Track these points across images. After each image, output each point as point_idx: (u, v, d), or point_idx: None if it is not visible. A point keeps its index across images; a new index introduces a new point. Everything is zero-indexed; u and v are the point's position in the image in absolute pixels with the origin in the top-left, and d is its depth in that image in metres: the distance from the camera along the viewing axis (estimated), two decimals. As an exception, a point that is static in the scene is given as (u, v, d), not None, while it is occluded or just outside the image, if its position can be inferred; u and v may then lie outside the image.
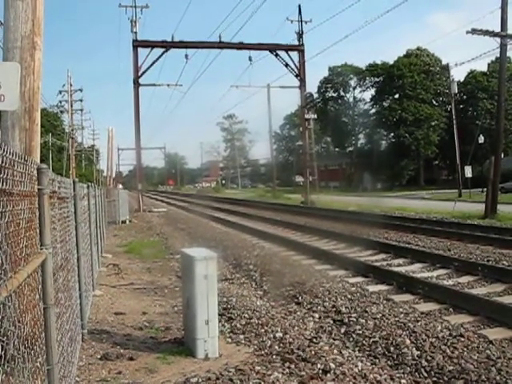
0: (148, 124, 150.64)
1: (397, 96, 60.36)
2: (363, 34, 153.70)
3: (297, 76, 31.74)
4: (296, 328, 5.59)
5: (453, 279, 8.10)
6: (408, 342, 5.01)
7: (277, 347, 4.93)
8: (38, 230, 2.87)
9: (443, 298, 6.69)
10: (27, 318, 2.62)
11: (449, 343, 4.89)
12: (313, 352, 4.70)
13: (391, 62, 61.63)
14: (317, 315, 6.27)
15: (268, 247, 12.30)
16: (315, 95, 48.57)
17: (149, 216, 25.97)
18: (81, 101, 47.12)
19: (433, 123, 58.25)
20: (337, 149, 74.49)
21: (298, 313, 6.42)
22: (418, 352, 4.75)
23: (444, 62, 55.25)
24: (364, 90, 67.37)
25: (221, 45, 29.69)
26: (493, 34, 18.41)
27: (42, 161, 4.59)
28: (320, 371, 4.25)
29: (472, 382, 4.09)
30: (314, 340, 5.13)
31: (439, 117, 58.01)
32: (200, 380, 4.08)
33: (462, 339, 4.98)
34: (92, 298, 6.98)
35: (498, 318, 5.71)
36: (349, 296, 6.93)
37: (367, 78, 65.21)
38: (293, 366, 4.37)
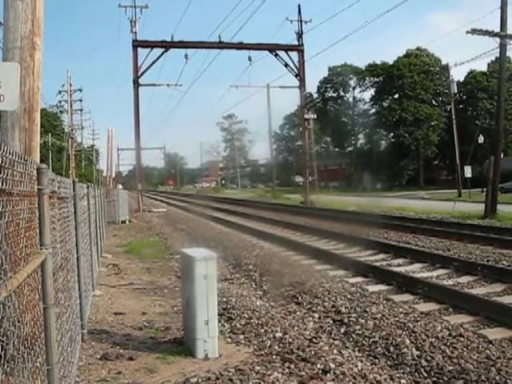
0: (148, 124, 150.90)
1: (396, 96, 60.38)
2: (363, 33, 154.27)
3: (296, 76, 31.75)
4: (296, 328, 5.59)
5: (452, 279, 8.10)
6: (408, 341, 5.01)
7: (276, 347, 4.93)
8: (37, 230, 2.87)
9: (443, 297, 6.69)
10: (27, 318, 2.62)
11: (448, 343, 4.89)
12: (312, 352, 4.70)
13: (391, 62, 61.65)
14: (316, 315, 6.27)
15: (268, 247, 12.29)
16: (315, 95, 48.53)
17: (148, 216, 25.97)
18: (80, 101, 47.18)
19: (432, 123, 58.26)
20: (336, 149, 74.48)
21: (298, 313, 6.42)
22: (418, 352, 4.75)
23: (444, 62, 55.36)
24: (364, 90, 67.55)
25: (220, 45, 29.70)
26: (492, 34, 18.43)
27: (41, 161, 4.59)
28: (320, 371, 4.26)
29: (472, 382, 4.09)
30: (314, 340, 5.13)
31: (439, 117, 58.03)
32: (200, 380, 4.08)
33: (462, 339, 4.99)
34: (92, 298, 6.98)
35: (497, 318, 5.71)
36: (348, 296, 6.93)
37: (367, 78, 65.24)
38: (292, 366, 4.37)
